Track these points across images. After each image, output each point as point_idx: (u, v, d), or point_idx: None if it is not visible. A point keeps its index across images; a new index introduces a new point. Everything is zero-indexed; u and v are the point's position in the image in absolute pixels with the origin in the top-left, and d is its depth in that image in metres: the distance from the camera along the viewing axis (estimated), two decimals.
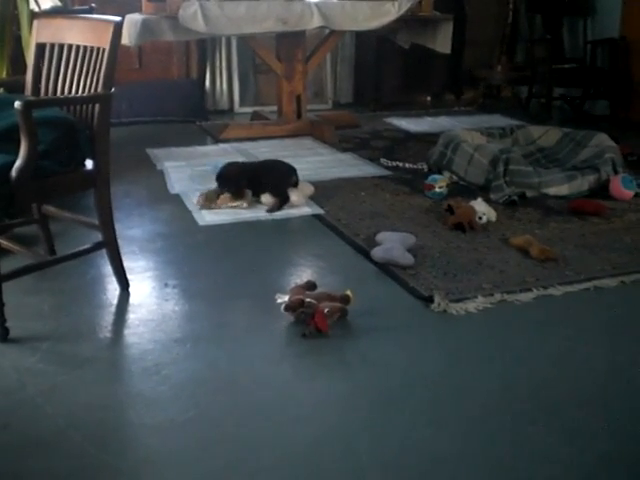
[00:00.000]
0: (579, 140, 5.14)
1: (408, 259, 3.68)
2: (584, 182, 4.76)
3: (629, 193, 4.81)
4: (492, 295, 3.36)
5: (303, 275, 3.61)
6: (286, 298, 3.13)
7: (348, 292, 3.18)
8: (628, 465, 2.28)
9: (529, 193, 4.66)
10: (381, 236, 3.91)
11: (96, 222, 3.27)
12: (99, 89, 3.06)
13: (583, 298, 3.43)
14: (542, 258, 3.75)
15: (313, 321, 2.96)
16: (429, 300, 3.29)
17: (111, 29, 3.04)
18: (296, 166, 5.39)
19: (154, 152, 5.91)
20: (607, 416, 2.52)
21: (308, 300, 3.03)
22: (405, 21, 6.67)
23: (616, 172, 4.87)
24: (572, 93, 7.85)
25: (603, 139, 5.08)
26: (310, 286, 3.23)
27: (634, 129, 7.05)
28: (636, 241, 4.08)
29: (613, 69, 7.56)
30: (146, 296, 3.39)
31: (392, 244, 3.77)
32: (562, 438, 2.39)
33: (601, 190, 4.79)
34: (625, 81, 7.50)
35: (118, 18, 3.09)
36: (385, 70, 8.08)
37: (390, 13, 6.28)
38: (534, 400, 2.61)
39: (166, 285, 3.48)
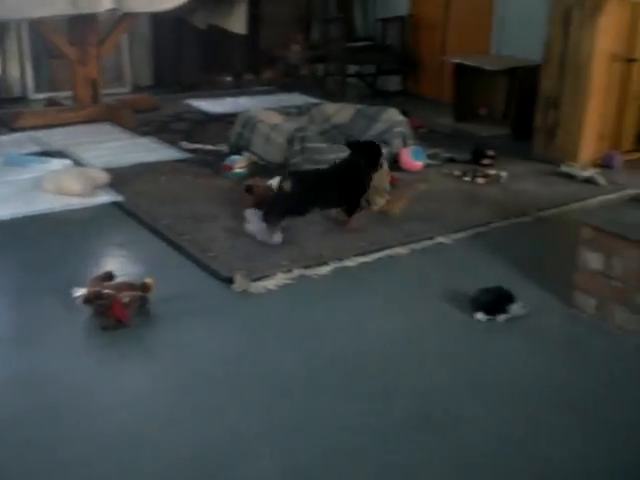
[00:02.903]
0: (371, 116, 5.35)
1: (276, 236, 3.75)
2: None
3: (419, 164, 5.09)
4: (291, 271, 3.46)
5: (104, 266, 3.53)
6: (84, 291, 3.06)
7: (148, 279, 3.15)
8: (422, 425, 2.45)
9: None
10: (250, 213, 3.93)
11: None
12: None
13: (377, 267, 3.61)
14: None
15: (112, 312, 2.92)
16: (230, 281, 3.33)
17: None
18: (93, 153, 5.30)
19: None
20: (403, 376, 2.70)
21: (105, 291, 2.98)
22: (201, 1, 6.63)
23: (405, 145, 5.13)
24: (366, 70, 8.13)
25: (393, 114, 5.32)
26: (107, 276, 3.17)
27: (424, 103, 7.45)
28: (427, 209, 4.33)
29: (403, 46, 7.91)
30: None
31: (262, 222, 3.83)
32: (362, 404, 2.53)
33: (393, 162, 5.02)
34: (414, 57, 7.88)
35: None
36: (184, 51, 8.00)
37: None
38: (334, 370, 2.73)
39: None
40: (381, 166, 4.16)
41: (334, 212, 4.09)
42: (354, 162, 4.03)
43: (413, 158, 5.07)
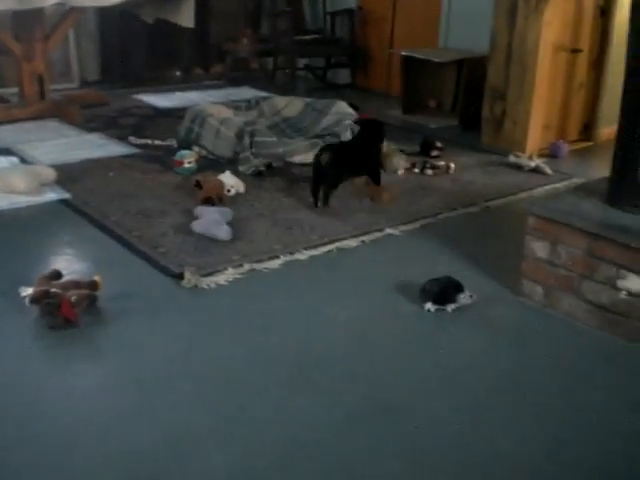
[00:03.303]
0: (320, 109, 5.36)
1: (226, 232, 3.72)
2: None
3: None
4: (241, 266, 3.46)
5: (51, 264, 3.48)
6: (31, 290, 3.02)
7: (96, 277, 3.13)
8: (379, 414, 2.48)
9: (275, 163, 4.81)
10: (199, 210, 3.93)
11: None
12: None
13: (327, 260, 3.62)
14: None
15: (60, 311, 2.89)
16: (180, 277, 3.31)
17: None
18: (40, 150, 5.21)
19: None
20: (354, 367, 2.72)
21: (53, 290, 2.94)
22: None
23: None
24: (316, 63, 8.14)
25: (342, 107, 5.34)
26: (54, 275, 3.13)
27: (373, 95, 7.49)
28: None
29: (352, 39, 7.93)
30: None
31: (211, 218, 3.81)
32: (313, 397, 2.54)
33: None
34: (363, 50, 7.91)
35: None
36: (133, 46, 7.92)
37: None
38: (286, 364, 2.74)
39: None
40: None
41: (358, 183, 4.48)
42: (367, 136, 4.47)
43: None
